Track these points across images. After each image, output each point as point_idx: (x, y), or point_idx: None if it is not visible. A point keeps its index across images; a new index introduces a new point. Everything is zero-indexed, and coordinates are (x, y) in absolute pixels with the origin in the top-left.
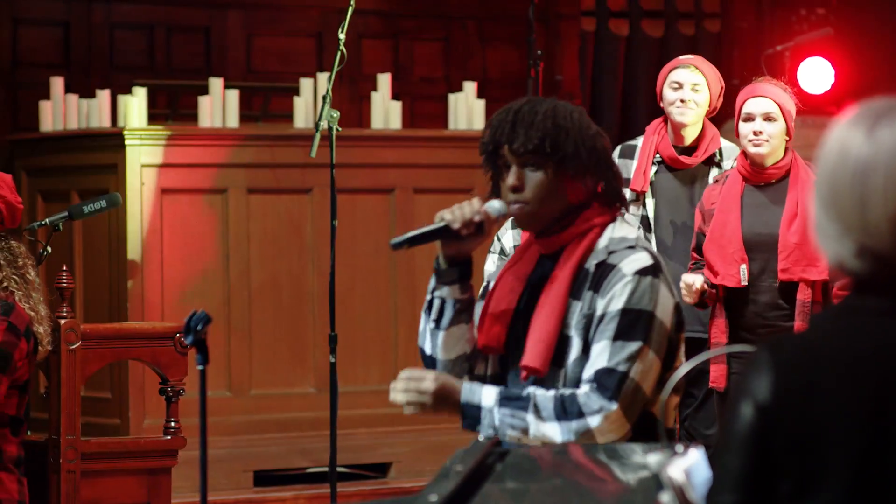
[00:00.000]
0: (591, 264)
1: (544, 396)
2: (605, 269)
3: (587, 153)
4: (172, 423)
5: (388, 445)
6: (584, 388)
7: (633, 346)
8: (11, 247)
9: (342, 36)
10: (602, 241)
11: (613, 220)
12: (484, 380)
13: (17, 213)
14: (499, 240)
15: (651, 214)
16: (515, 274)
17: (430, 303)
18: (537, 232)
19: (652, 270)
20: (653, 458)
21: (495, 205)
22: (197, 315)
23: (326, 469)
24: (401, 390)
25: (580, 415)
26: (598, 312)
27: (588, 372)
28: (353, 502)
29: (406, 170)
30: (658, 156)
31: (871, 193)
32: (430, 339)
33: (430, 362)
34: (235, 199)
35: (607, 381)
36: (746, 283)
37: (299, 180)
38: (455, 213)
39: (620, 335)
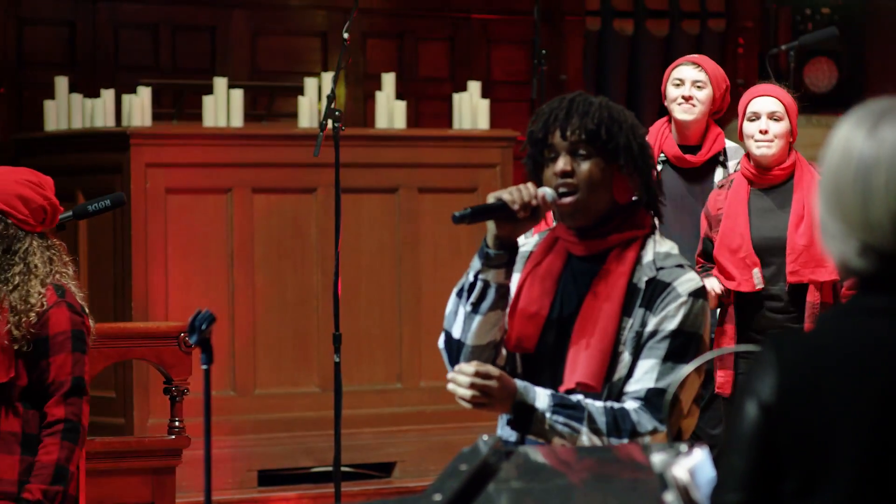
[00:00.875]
0: (639, 279)
1: (596, 408)
2: (658, 287)
3: (638, 149)
4: (177, 423)
5: (393, 445)
6: (633, 405)
7: (683, 369)
8: (55, 245)
9: (347, 35)
10: (646, 255)
11: (652, 231)
12: (514, 377)
13: (56, 216)
14: None
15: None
16: (545, 273)
17: (472, 285)
18: (578, 230)
19: (703, 293)
20: (657, 458)
21: (549, 191)
22: (201, 314)
23: (331, 468)
24: (465, 385)
25: (633, 433)
26: (649, 328)
27: (635, 387)
28: (358, 502)
29: (411, 169)
30: (662, 155)
31: (873, 192)
32: (462, 323)
33: (455, 348)
34: (240, 199)
35: (658, 402)
36: (762, 287)
37: (304, 180)
38: (514, 195)
39: (671, 356)
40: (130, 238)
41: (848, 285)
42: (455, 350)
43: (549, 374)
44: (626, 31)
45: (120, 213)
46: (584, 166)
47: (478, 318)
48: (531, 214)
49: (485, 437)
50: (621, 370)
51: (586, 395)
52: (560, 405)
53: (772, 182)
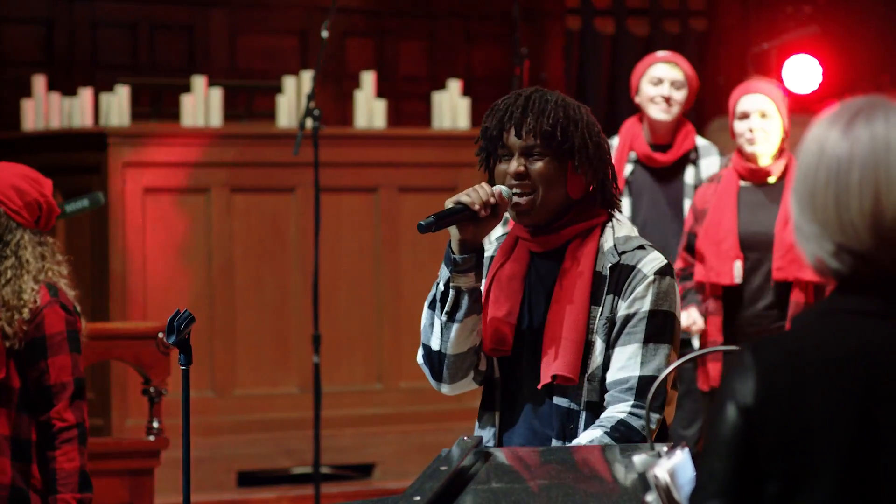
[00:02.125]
0: (602, 267)
1: (599, 441)
2: (623, 271)
3: (593, 147)
4: (155, 424)
5: (373, 446)
6: (624, 408)
7: (664, 350)
8: (48, 242)
9: (326, 34)
10: (606, 242)
11: (609, 219)
12: (492, 381)
13: (52, 217)
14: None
15: (628, 213)
16: (509, 275)
17: (443, 294)
18: (534, 227)
19: (668, 270)
20: (638, 459)
21: (504, 189)
22: (180, 315)
23: (310, 469)
24: None
25: (644, 440)
26: (621, 313)
27: (621, 375)
28: (337, 503)
29: (390, 169)
30: (633, 154)
31: (846, 191)
32: (440, 334)
33: (436, 360)
34: (219, 199)
35: (648, 391)
36: (741, 281)
37: (283, 179)
38: (472, 196)
39: (651, 338)
40: (108, 238)
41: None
42: (437, 363)
43: (527, 374)
44: (607, 29)
45: (98, 213)
46: (538, 166)
47: (455, 327)
48: (492, 213)
49: (465, 439)
50: (596, 358)
51: (564, 388)
52: None
53: (763, 179)
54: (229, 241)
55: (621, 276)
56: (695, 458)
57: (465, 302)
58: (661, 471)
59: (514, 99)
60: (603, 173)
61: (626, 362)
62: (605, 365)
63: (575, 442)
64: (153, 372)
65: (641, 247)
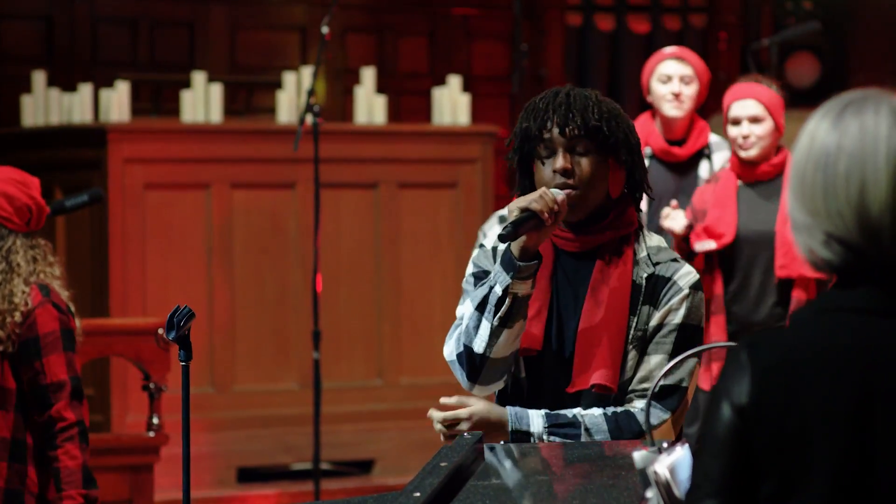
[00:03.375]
0: (638, 276)
1: (594, 418)
2: (658, 282)
3: (635, 144)
4: (155, 420)
5: (372, 442)
6: (639, 404)
7: (690, 364)
8: (41, 244)
9: (326, 30)
10: (640, 251)
11: (641, 226)
12: (517, 381)
13: (43, 217)
14: (484, 235)
15: (644, 208)
16: (542, 272)
17: (499, 299)
18: (574, 224)
19: (701, 286)
20: (638, 455)
21: (559, 193)
22: (180, 311)
23: (310, 466)
24: (439, 432)
25: (639, 433)
26: (654, 323)
27: (645, 385)
28: (337, 499)
29: (390, 164)
30: (649, 149)
31: (833, 181)
32: (486, 338)
33: (477, 362)
34: (219, 195)
35: (667, 398)
36: (698, 252)
37: (283, 175)
38: (540, 203)
39: (678, 351)
40: (108, 234)
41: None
42: (478, 365)
43: (553, 375)
44: (607, 26)
45: (98, 209)
46: (584, 162)
47: (506, 332)
48: (554, 220)
49: (465, 435)
50: (629, 369)
51: (601, 398)
52: (555, 425)
53: (761, 178)
54: (229, 236)
55: (657, 287)
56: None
57: (519, 308)
58: (661, 467)
59: (552, 97)
60: (640, 169)
61: (651, 373)
62: (635, 372)
63: (574, 411)
64: (153, 368)
65: (675, 259)
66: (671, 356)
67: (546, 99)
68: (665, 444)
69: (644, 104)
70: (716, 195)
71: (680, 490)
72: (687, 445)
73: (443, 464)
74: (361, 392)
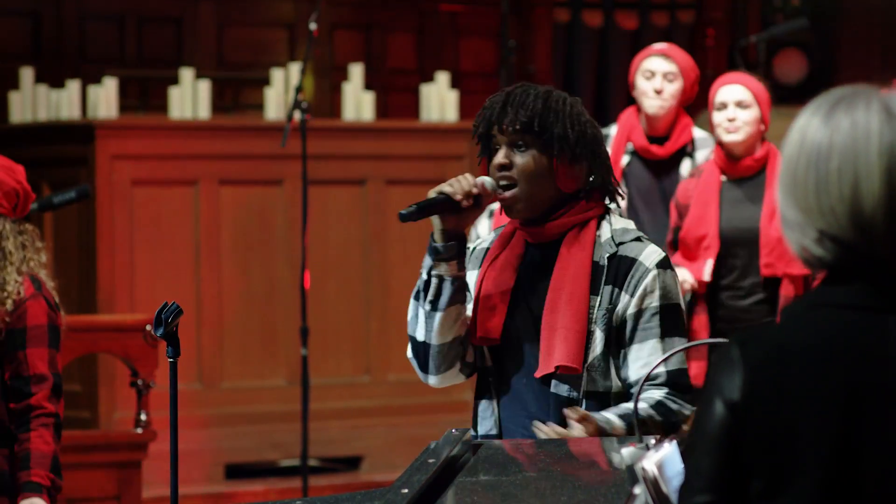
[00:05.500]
0: (600, 257)
1: (647, 412)
2: (622, 263)
3: (576, 138)
4: (143, 417)
5: (360, 438)
6: (660, 393)
7: (681, 341)
8: (28, 230)
9: (314, 26)
10: (604, 233)
11: (607, 212)
12: (484, 371)
13: (28, 203)
14: (474, 227)
15: (623, 204)
16: (503, 264)
17: (426, 283)
18: (526, 220)
19: (669, 263)
20: (626, 451)
21: (488, 180)
22: (168, 307)
23: (298, 462)
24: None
25: (679, 423)
26: (632, 309)
27: (645, 371)
28: (325, 496)
29: (378, 161)
30: (630, 145)
31: (826, 177)
32: (424, 324)
33: (422, 350)
34: (206, 191)
35: (683, 383)
36: (709, 279)
37: (271, 172)
38: (454, 186)
39: (668, 332)
40: (96, 231)
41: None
42: (423, 353)
43: (518, 363)
44: (595, 22)
45: (85, 206)
46: (522, 158)
47: (438, 316)
48: (474, 203)
49: (453, 431)
50: (595, 348)
51: (565, 377)
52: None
53: (744, 173)
54: (217, 233)
55: (620, 267)
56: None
57: (446, 290)
58: (649, 463)
59: (497, 96)
60: (594, 164)
61: (649, 358)
62: (605, 355)
63: (626, 406)
64: (141, 364)
65: (639, 239)
66: (662, 338)
67: (493, 98)
68: (653, 441)
69: (631, 101)
70: (698, 191)
71: (668, 486)
72: (675, 442)
73: (431, 460)
74: (349, 389)
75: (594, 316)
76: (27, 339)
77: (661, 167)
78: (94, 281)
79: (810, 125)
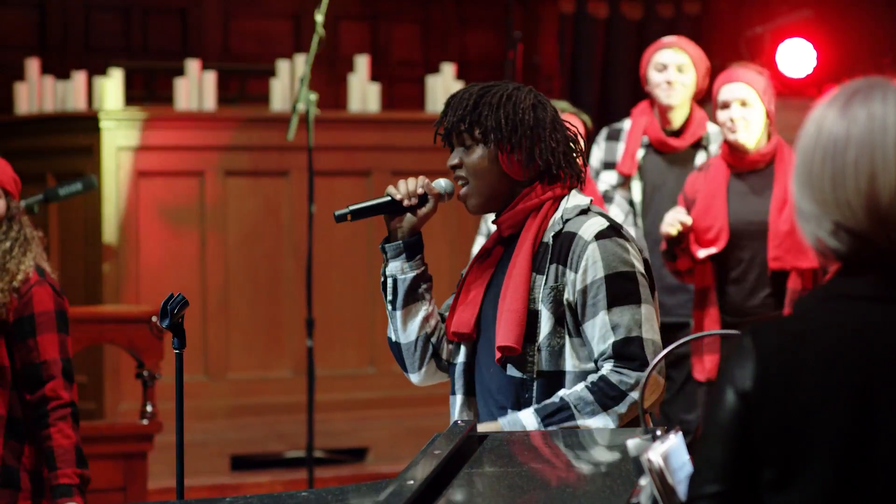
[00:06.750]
0: (548, 237)
1: (578, 393)
2: (564, 239)
3: (510, 127)
4: (149, 408)
5: (366, 430)
6: (607, 367)
7: (632, 308)
8: (27, 222)
9: (320, 18)
10: (557, 214)
11: (568, 193)
12: (462, 366)
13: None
14: (485, 222)
15: (638, 198)
16: (484, 260)
17: (384, 284)
18: (493, 215)
19: (611, 231)
20: (632, 443)
21: (441, 181)
22: (173, 298)
23: (304, 453)
24: None
25: (622, 395)
26: (578, 286)
27: (601, 347)
28: (331, 487)
29: (384, 152)
30: (646, 138)
31: (842, 170)
32: (391, 324)
33: (395, 350)
34: (212, 182)
35: (627, 351)
36: (702, 259)
37: (276, 163)
38: (399, 187)
39: (615, 302)
40: (102, 222)
41: (830, 273)
42: (397, 353)
43: (487, 354)
44: (601, 13)
45: (91, 197)
46: (468, 156)
47: (398, 315)
48: (420, 203)
49: (459, 422)
50: (543, 327)
51: (516, 359)
52: (548, 416)
53: (751, 167)
54: (223, 224)
55: (563, 243)
56: (692, 443)
57: (401, 289)
58: (655, 455)
59: (446, 100)
60: (541, 149)
61: (601, 332)
62: (556, 334)
63: (559, 394)
64: (146, 356)
65: (584, 212)
66: (609, 308)
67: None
68: (659, 432)
69: (637, 91)
70: (705, 185)
71: (673, 478)
72: (681, 433)
73: (437, 451)
74: (354, 380)
75: (539, 295)
76: (36, 325)
77: (676, 160)
78: (100, 272)
79: (826, 117)
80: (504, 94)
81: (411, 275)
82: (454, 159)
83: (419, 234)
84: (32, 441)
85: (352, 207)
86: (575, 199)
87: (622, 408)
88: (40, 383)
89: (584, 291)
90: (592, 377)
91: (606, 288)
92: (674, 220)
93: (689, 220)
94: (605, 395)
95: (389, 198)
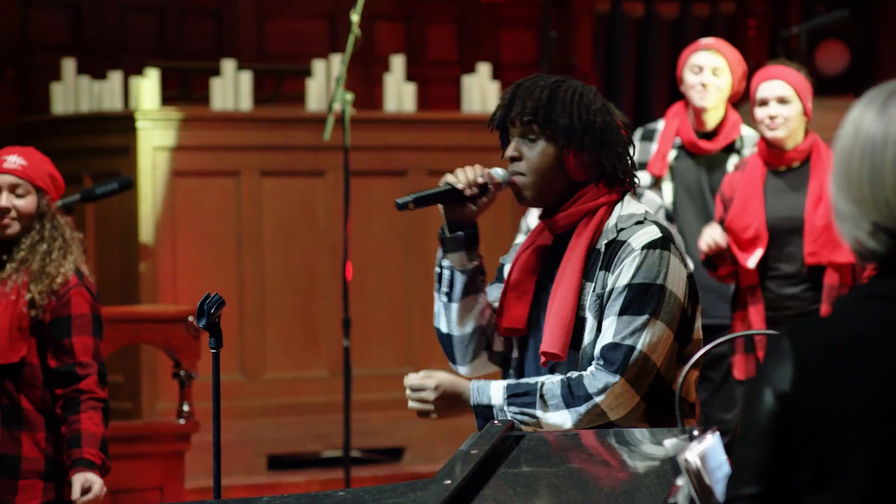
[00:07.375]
0: (601, 244)
1: (552, 384)
2: (616, 247)
3: (582, 127)
4: (185, 408)
5: (403, 429)
6: (590, 368)
7: (641, 319)
8: (68, 223)
9: (355, 18)
10: (611, 220)
11: (622, 198)
12: (508, 361)
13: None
14: (525, 220)
15: (669, 199)
16: (532, 255)
17: (440, 276)
18: (543, 210)
19: (661, 243)
20: (669, 443)
21: (499, 170)
22: (210, 298)
23: (340, 453)
24: (408, 399)
25: (587, 397)
26: (608, 288)
27: (596, 349)
28: (367, 487)
29: (420, 152)
30: (678, 140)
31: (881, 169)
32: (444, 316)
33: (447, 342)
34: (248, 182)
35: (612, 356)
36: (754, 267)
37: (312, 163)
38: (459, 175)
39: (627, 309)
40: (138, 221)
41: (870, 269)
42: (448, 345)
43: (537, 352)
44: (636, 13)
45: (127, 197)
46: (531, 150)
47: (455, 307)
48: (481, 192)
49: (495, 422)
50: (588, 335)
51: (566, 365)
52: (514, 395)
53: (788, 164)
54: (259, 224)
55: (614, 251)
56: (731, 443)
57: (459, 281)
58: (692, 455)
59: (509, 88)
60: (605, 151)
61: (603, 335)
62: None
63: (540, 378)
64: (183, 355)
65: (640, 222)
66: (620, 314)
67: (506, 90)
68: (696, 432)
69: (673, 91)
70: (742, 184)
71: (710, 478)
72: (718, 433)
73: (473, 451)
74: (391, 380)
75: (586, 302)
76: (72, 327)
77: (708, 163)
78: (137, 272)
79: (864, 117)
80: (576, 92)
81: (470, 267)
82: (513, 150)
83: (476, 225)
84: (57, 430)
85: (414, 195)
86: (630, 207)
87: (583, 409)
88: (77, 379)
89: (610, 294)
90: (573, 373)
91: (626, 295)
92: (711, 241)
93: (724, 244)
94: (572, 394)
95: (450, 186)
